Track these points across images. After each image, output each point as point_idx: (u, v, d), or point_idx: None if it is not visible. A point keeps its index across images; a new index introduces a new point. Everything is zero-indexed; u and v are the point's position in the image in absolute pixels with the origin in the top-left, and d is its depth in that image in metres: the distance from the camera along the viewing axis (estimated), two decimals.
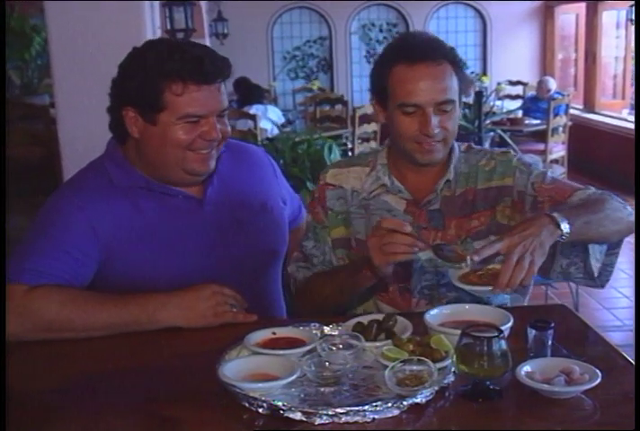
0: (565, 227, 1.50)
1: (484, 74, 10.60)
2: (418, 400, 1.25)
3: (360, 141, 6.69)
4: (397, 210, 1.80)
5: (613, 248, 1.73)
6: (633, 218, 1.68)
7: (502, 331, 1.29)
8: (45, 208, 1.76)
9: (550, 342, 1.41)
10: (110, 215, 1.72)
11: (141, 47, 1.75)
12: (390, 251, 1.54)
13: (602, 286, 1.77)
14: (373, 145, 6.74)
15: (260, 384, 1.31)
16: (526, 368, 1.32)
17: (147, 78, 1.66)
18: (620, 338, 3.96)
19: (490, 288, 1.46)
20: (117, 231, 1.72)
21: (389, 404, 1.24)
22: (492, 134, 6.86)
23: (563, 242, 1.53)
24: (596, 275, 1.72)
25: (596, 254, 1.70)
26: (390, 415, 1.23)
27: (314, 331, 1.54)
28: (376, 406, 1.23)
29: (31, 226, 1.73)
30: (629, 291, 4.72)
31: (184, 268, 1.77)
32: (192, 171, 1.74)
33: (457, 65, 1.72)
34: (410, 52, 1.69)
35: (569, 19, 10.45)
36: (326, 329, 1.56)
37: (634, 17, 7.71)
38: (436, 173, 1.79)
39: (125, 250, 1.73)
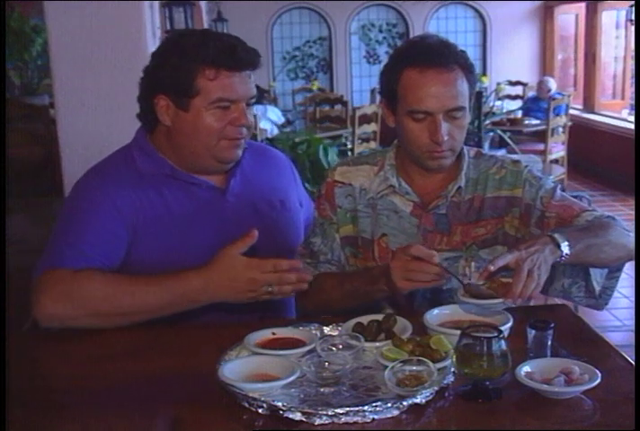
0: (565, 248, 1.52)
1: (484, 74, 10.59)
2: (418, 401, 1.25)
3: (359, 141, 6.69)
4: (404, 211, 1.79)
5: (613, 271, 1.74)
6: (632, 246, 1.68)
7: (501, 332, 1.29)
8: (72, 196, 1.80)
9: (550, 342, 1.41)
10: (135, 201, 1.75)
11: (174, 35, 1.81)
12: (417, 279, 1.56)
13: (601, 308, 1.79)
14: (373, 145, 6.74)
15: (259, 385, 1.31)
16: (526, 368, 1.32)
17: (182, 64, 1.70)
18: (620, 338, 3.96)
19: (501, 300, 1.46)
20: (141, 216, 1.75)
21: (389, 404, 1.23)
22: (491, 134, 6.87)
23: (564, 263, 1.55)
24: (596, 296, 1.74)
25: (597, 277, 1.72)
26: (390, 415, 1.23)
27: (313, 332, 1.54)
28: (375, 406, 1.23)
29: (61, 215, 1.77)
30: (629, 291, 4.72)
31: (204, 257, 1.75)
32: (223, 158, 1.78)
33: (468, 69, 1.71)
34: (421, 57, 1.67)
35: (569, 19, 10.45)
36: (326, 330, 1.56)
37: (633, 17, 7.71)
38: (444, 177, 1.79)
39: (147, 236, 1.75)
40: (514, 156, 6.38)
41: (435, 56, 1.67)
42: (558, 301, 1.85)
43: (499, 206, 1.77)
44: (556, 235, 1.53)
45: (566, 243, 1.53)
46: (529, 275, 1.45)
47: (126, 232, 1.74)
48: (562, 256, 1.53)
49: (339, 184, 1.86)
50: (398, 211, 1.80)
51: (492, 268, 1.47)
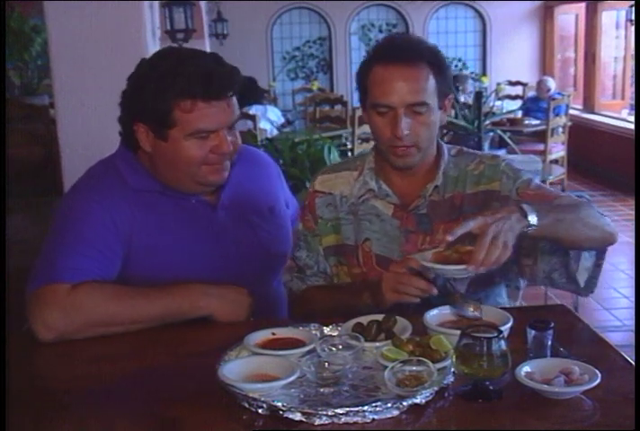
0: (533, 219, 1.47)
1: (484, 74, 10.60)
2: (417, 401, 1.25)
3: (359, 141, 6.69)
4: (385, 214, 1.79)
5: (598, 259, 1.74)
6: (610, 229, 1.65)
7: (501, 332, 1.29)
8: (64, 210, 1.77)
9: (550, 342, 1.41)
10: (128, 213, 1.74)
11: (150, 59, 1.74)
12: (404, 292, 1.56)
13: (586, 295, 1.79)
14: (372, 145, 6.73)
15: (259, 385, 1.31)
16: (525, 368, 1.32)
17: (156, 95, 1.65)
18: (620, 338, 3.96)
19: (464, 267, 1.42)
20: (135, 229, 1.74)
21: (389, 405, 1.23)
22: (491, 134, 6.86)
23: (542, 247, 1.53)
24: (582, 285, 1.73)
25: (585, 264, 1.71)
26: (390, 415, 1.23)
27: (313, 332, 1.54)
28: (375, 406, 1.23)
29: (53, 229, 1.74)
30: (629, 291, 4.72)
31: (197, 269, 1.78)
32: (206, 182, 1.76)
33: (438, 67, 1.70)
34: (387, 53, 1.69)
35: (568, 19, 10.45)
36: (326, 330, 1.56)
37: (633, 17, 7.71)
38: (423, 177, 1.78)
39: (141, 250, 1.75)
40: (514, 156, 6.31)
41: (401, 52, 1.68)
42: (557, 301, 1.86)
43: (479, 202, 1.76)
44: (524, 205, 1.49)
45: (534, 214, 1.48)
46: (493, 242, 1.40)
47: (121, 245, 1.73)
48: (529, 226, 1.47)
49: (319, 194, 1.86)
50: (380, 214, 1.79)
51: (450, 238, 1.43)
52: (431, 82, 1.68)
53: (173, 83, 1.64)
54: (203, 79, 1.64)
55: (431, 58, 1.70)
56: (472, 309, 1.50)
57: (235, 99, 1.73)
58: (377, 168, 1.82)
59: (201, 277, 1.74)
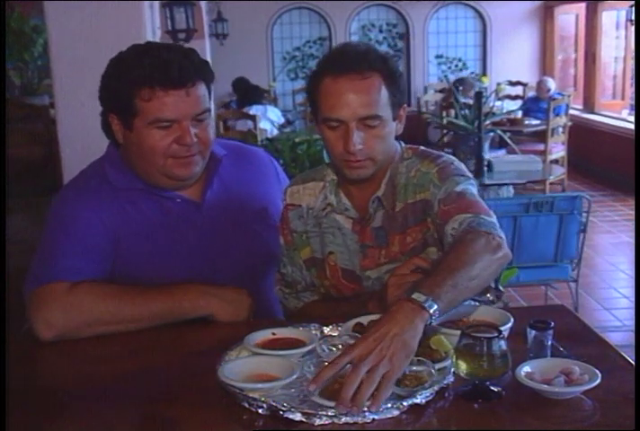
0: (432, 307, 1.31)
1: (484, 74, 10.61)
2: (418, 401, 1.25)
3: None
4: (346, 228, 1.76)
5: None
6: (502, 253, 1.48)
7: (501, 332, 1.29)
8: (54, 213, 1.78)
9: (550, 343, 1.41)
10: (114, 214, 1.75)
11: (120, 52, 1.76)
12: None
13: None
14: None
15: (260, 385, 1.31)
16: (526, 369, 1.32)
17: (120, 85, 1.69)
18: (620, 338, 3.96)
19: (332, 404, 1.22)
20: (122, 231, 1.75)
21: (389, 405, 1.23)
22: (491, 134, 6.86)
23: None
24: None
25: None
26: (390, 415, 1.23)
27: (313, 332, 1.54)
28: None
29: (45, 232, 1.76)
30: (629, 291, 4.72)
31: (182, 270, 1.78)
32: (174, 176, 1.75)
33: (391, 77, 1.62)
34: (336, 64, 1.61)
35: (569, 19, 10.46)
36: (326, 330, 1.56)
37: (633, 17, 7.71)
38: (375, 188, 1.72)
39: (127, 250, 1.75)
40: (513, 156, 6.26)
41: (349, 62, 1.60)
42: (557, 301, 1.86)
43: (417, 211, 1.70)
44: (415, 296, 1.32)
45: (430, 300, 1.31)
46: (370, 375, 1.22)
47: (111, 246, 1.74)
48: (431, 317, 1.32)
49: (291, 207, 1.83)
50: (341, 228, 1.76)
51: (312, 388, 1.24)
52: (384, 93, 1.61)
53: (133, 72, 1.66)
54: (161, 68, 1.64)
55: (383, 68, 1.62)
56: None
57: (201, 90, 1.70)
58: (340, 179, 1.76)
59: (187, 277, 1.74)
